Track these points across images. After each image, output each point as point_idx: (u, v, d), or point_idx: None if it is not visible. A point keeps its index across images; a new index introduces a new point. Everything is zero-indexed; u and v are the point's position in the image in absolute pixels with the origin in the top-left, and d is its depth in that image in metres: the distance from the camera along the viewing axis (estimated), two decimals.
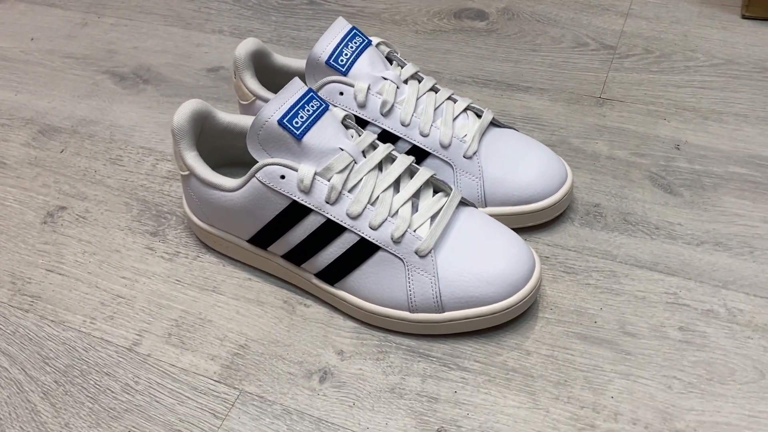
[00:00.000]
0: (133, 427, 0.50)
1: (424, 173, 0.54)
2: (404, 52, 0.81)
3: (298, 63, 0.65)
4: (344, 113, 0.55)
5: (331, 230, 0.52)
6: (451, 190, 0.54)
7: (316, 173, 0.52)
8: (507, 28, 0.83)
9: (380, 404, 0.50)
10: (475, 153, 0.58)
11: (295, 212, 0.52)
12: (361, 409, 0.50)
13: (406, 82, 0.60)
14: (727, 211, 0.60)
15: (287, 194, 0.52)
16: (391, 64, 0.61)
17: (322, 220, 0.52)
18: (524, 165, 0.58)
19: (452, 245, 0.52)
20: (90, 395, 0.52)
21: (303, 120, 0.52)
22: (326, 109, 0.53)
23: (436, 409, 0.49)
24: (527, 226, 0.59)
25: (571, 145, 0.67)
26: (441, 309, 0.52)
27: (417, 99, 0.59)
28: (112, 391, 0.52)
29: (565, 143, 0.67)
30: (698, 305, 0.54)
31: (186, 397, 0.52)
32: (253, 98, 0.62)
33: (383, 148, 0.54)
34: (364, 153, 0.54)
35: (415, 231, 0.52)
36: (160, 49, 0.86)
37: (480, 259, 0.52)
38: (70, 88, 0.82)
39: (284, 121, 0.51)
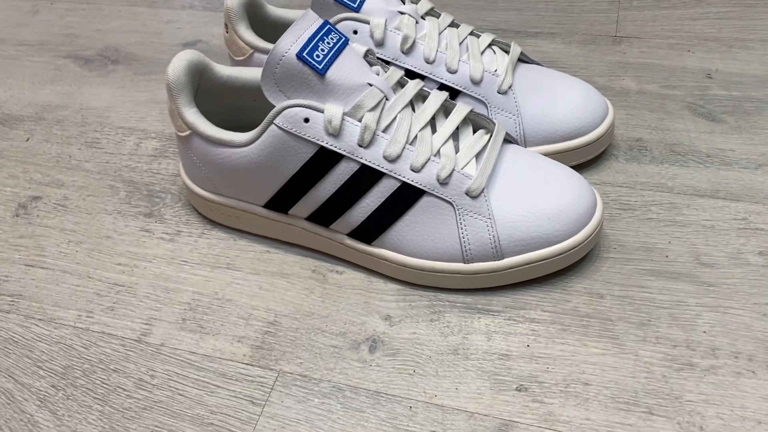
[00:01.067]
0: (156, 426, 0.42)
1: (462, 109, 0.48)
2: None
3: (296, 13, 0.59)
4: (366, 48, 0.48)
5: (367, 177, 0.45)
6: (494, 125, 0.48)
7: (344, 113, 0.45)
8: None
9: (444, 368, 0.43)
10: (510, 88, 0.52)
11: (324, 160, 0.45)
12: (423, 376, 0.43)
13: (423, 17, 0.54)
14: None
15: (313, 140, 0.45)
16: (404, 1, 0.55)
17: (356, 167, 0.45)
18: (563, 99, 0.53)
19: (504, 183, 0.46)
20: (98, 396, 0.44)
21: (324, 53, 0.45)
22: (346, 42, 0.47)
23: (510, 367, 0.43)
24: (571, 165, 0.54)
25: (596, 83, 0.62)
26: (500, 255, 0.46)
27: (439, 34, 0.53)
28: (124, 389, 0.44)
29: (590, 82, 0.62)
30: None
31: (215, 386, 0.44)
32: (251, 51, 0.55)
33: (414, 84, 0.48)
34: (393, 90, 0.47)
35: (462, 170, 0.46)
36: (127, 29, 0.78)
37: (538, 195, 0.46)
38: (29, 75, 0.73)
39: (304, 54, 0.44)
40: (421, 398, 0.42)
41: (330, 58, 0.45)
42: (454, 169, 0.45)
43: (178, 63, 0.49)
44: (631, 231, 0.50)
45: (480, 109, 0.53)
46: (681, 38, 0.66)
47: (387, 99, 0.46)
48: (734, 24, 0.67)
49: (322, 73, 0.45)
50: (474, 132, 0.49)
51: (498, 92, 0.52)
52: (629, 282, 0.47)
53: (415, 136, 0.46)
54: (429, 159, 0.45)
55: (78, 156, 0.62)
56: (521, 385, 0.42)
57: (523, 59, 0.56)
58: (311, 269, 0.50)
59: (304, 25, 0.46)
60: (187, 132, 0.50)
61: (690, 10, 0.70)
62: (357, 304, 0.47)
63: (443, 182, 0.45)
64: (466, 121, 0.48)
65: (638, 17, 0.70)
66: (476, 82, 0.52)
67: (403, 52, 0.52)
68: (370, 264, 0.49)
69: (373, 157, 0.45)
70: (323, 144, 0.45)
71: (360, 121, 0.45)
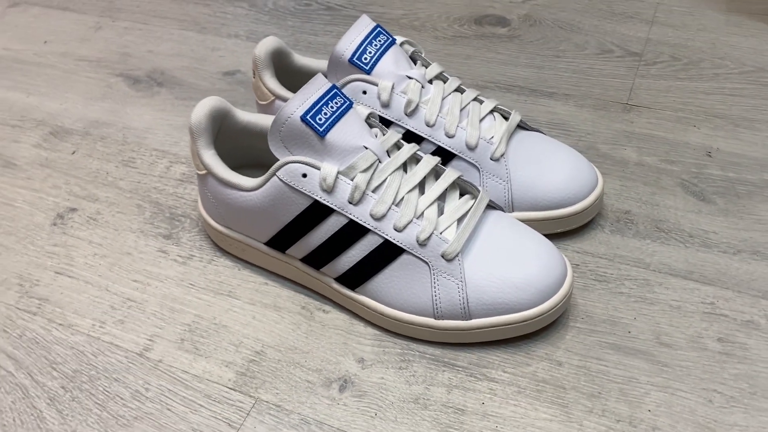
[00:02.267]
0: None
1: (450, 174, 0.52)
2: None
3: (319, 63, 0.64)
4: (368, 111, 0.53)
5: (353, 232, 0.50)
6: (479, 192, 0.52)
7: (339, 172, 0.50)
8: (529, 35, 0.81)
9: (403, 415, 0.47)
10: (502, 155, 0.56)
11: (317, 212, 0.50)
12: (383, 420, 0.47)
13: (431, 81, 0.58)
14: (764, 219, 0.57)
15: (309, 193, 0.50)
16: (416, 63, 0.59)
17: (345, 221, 0.50)
18: (553, 168, 0.56)
19: (480, 249, 0.50)
20: (98, 402, 0.50)
21: (327, 116, 0.50)
22: (350, 106, 0.51)
23: (463, 422, 0.47)
24: (556, 233, 0.57)
25: (599, 151, 0.65)
26: (468, 316, 0.49)
27: (442, 99, 0.57)
28: (122, 398, 0.50)
29: (593, 149, 0.65)
30: (737, 315, 0.51)
31: (199, 405, 0.49)
32: (273, 98, 0.60)
33: (408, 148, 0.52)
34: (388, 152, 0.52)
35: (441, 234, 0.50)
36: (175, 53, 0.84)
37: (509, 263, 0.49)
38: (83, 90, 0.80)
39: (307, 117, 0.49)
40: None
41: (331, 121, 0.50)
42: (433, 233, 0.49)
43: (201, 109, 0.55)
44: (601, 303, 0.53)
45: (473, 173, 0.56)
46: (690, 112, 0.68)
47: (380, 161, 0.51)
48: (746, 102, 0.69)
49: (322, 136, 0.49)
50: (461, 196, 0.52)
51: (491, 159, 0.56)
52: (589, 353, 0.50)
53: (402, 198, 0.50)
54: (411, 221, 0.49)
55: (114, 173, 0.69)
56: None
57: (522, 126, 0.59)
58: (301, 305, 0.55)
59: (312, 89, 0.50)
60: (204, 171, 0.55)
61: (705, 84, 0.72)
62: (336, 344, 0.52)
63: (422, 243, 0.49)
64: (454, 185, 0.52)
65: (653, 86, 0.72)
66: (471, 148, 0.56)
67: (406, 114, 0.56)
68: (352, 307, 0.53)
69: (361, 214, 0.50)
70: (317, 198, 0.50)
71: (352, 180, 0.50)
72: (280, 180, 0.50)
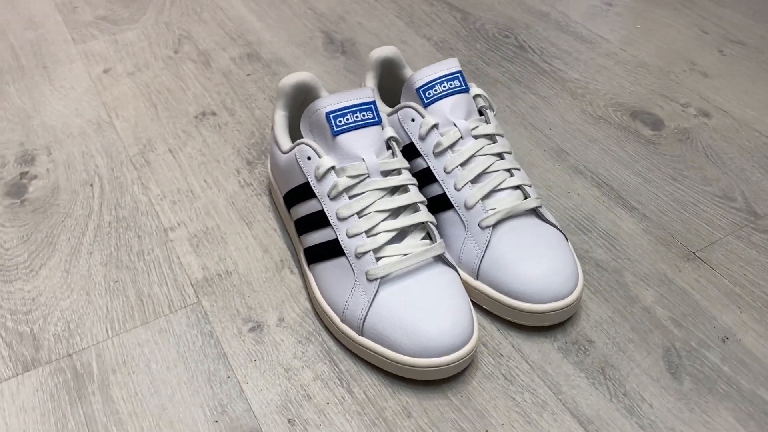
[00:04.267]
0: (115, 281, 0.64)
1: (421, 215, 0.57)
2: (554, 123, 0.80)
3: None
4: (391, 134, 0.60)
5: (321, 219, 0.59)
6: (435, 242, 0.56)
7: (333, 168, 0.58)
8: (669, 148, 0.77)
9: (269, 373, 0.56)
10: (489, 227, 0.59)
11: (305, 191, 0.60)
12: (255, 368, 0.56)
13: (476, 137, 0.62)
14: (712, 425, 0.52)
15: (305, 174, 0.59)
16: (481, 115, 0.64)
17: (318, 208, 0.59)
18: (532, 260, 0.57)
19: (403, 287, 0.55)
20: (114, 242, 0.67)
21: (347, 122, 0.58)
22: (376, 122, 0.59)
23: (304, 407, 0.54)
24: (505, 318, 0.58)
25: (622, 279, 0.63)
26: (361, 332, 0.55)
27: (473, 156, 0.61)
28: (130, 247, 0.66)
29: (618, 274, 0.63)
30: None
31: (166, 280, 0.63)
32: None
33: (401, 178, 0.58)
34: (385, 173, 0.58)
35: (378, 257, 0.56)
36: (374, 33, 0.97)
37: (417, 311, 0.54)
38: (293, 33, 0.97)
39: (331, 115, 0.58)
40: (238, 375, 0.56)
41: (348, 128, 0.58)
42: (370, 252, 0.56)
43: (290, 78, 0.67)
44: (488, 394, 0.54)
45: (460, 230, 0.60)
46: (749, 294, 0.61)
47: (369, 176, 0.58)
48: None
49: (334, 135, 0.58)
50: (422, 239, 0.57)
51: (478, 225, 0.59)
52: (440, 424, 0.52)
53: (368, 213, 0.57)
54: (361, 233, 0.56)
55: (259, 101, 0.85)
56: (293, 419, 0.53)
57: (539, 215, 0.61)
58: (281, 258, 0.65)
59: (353, 95, 0.59)
60: (272, 125, 0.68)
61: None
62: (277, 299, 0.62)
63: (357, 256, 0.56)
64: (423, 226, 0.57)
65: (737, 251, 0.65)
66: (468, 207, 0.60)
67: (433, 154, 0.62)
68: (304, 279, 0.62)
69: (330, 209, 0.58)
70: (308, 180, 0.59)
71: (338, 179, 0.58)
72: (294, 154, 0.60)
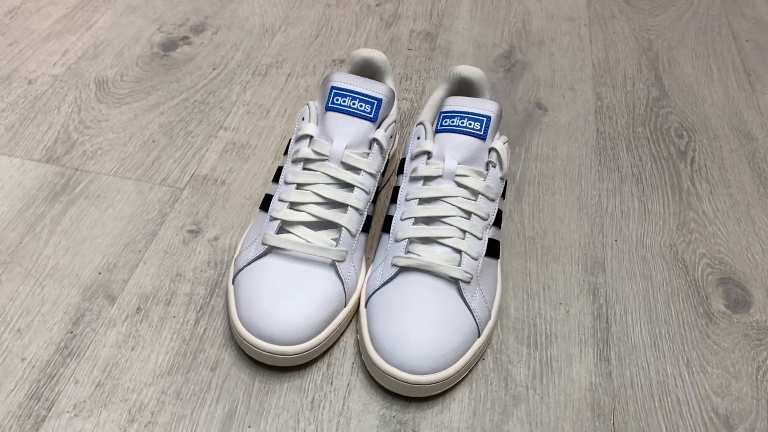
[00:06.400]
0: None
1: (342, 218, 0.57)
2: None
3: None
4: (377, 138, 0.59)
5: (277, 175, 0.61)
6: (334, 226, 0.57)
7: (310, 136, 0.60)
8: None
9: (166, 267, 0.62)
10: (397, 267, 0.55)
11: (290, 144, 0.62)
12: (161, 257, 0.63)
13: (459, 185, 0.58)
14: None
15: (296, 129, 0.62)
16: (486, 169, 0.59)
17: (285, 159, 0.61)
18: (411, 321, 0.53)
19: (279, 266, 0.56)
20: None
21: (342, 104, 0.59)
22: (369, 118, 0.59)
23: (162, 302, 0.59)
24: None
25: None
26: (233, 280, 0.58)
27: (439, 198, 0.57)
28: None
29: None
30: None
31: (183, 158, 0.72)
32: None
33: (357, 178, 0.58)
34: (345, 166, 0.58)
35: (283, 228, 0.57)
36: (556, 69, 0.91)
37: (264, 294, 0.54)
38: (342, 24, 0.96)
39: (334, 90, 0.59)
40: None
41: (339, 109, 0.59)
42: (280, 220, 0.57)
43: (364, 51, 0.68)
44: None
45: (382, 255, 0.58)
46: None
47: (328, 160, 0.58)
48: None
49: (325, 109, 0.59)
50: (333, 239, 0.57)
51: (392, 262, 0.56)
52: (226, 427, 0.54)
53: (305, 190, 0.58)
54: (286, 202, 0.58)
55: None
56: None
57: (462, 295, 0.55)
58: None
59: (368, 84, 0.59)
60: None
61: None
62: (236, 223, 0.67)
63: (271, 218, 0.58)
64: (340, 229, 0.57)
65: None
66: (396, 240, 0.57)
67: (409, 178, 0.59)
68: None
69: (285, 170, 0.60)
70: (293, 135, 0.62)
71: (306, 147, 0.59)
72: (306, 109, 0.63)
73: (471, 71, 0.67)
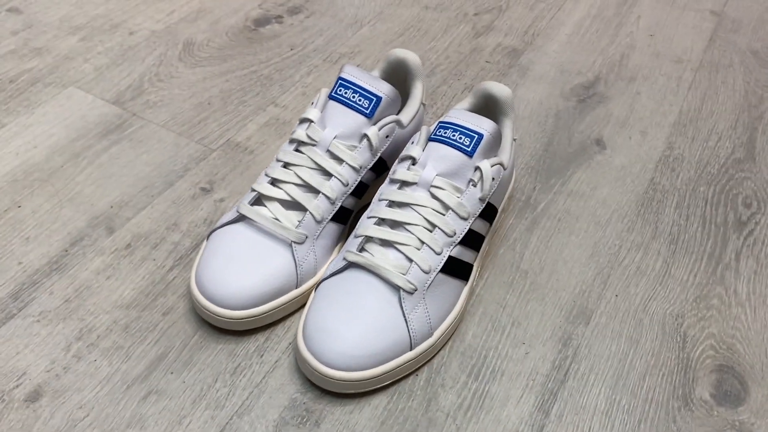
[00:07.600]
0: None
1: (311, 203, 0.58)
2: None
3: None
4: (367, 134, 0.59)
5: (277, 151, 0.64)
6: (302, 209, 0.58)
7: (309, 119, 0.61)
8: None
9: (159, 215, 0.67)
10: (346, 261, 0.55)
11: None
12: (165, 201, 0.68)
13: (433, 197, 0.56)
14: None
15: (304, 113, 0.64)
16: (471, 185, 0.57)
17: (287, 141, 0.63)
18: (344, 316, 0.53)
19: (238, 236, 0.58)
20: None
21: (344, 95, 0.60)
22: (365, 114, 0.59)
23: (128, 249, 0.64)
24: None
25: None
26: (207, 237, 0.61)
27: (409, 205, 0.56)
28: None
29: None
30: None
31: (241, 124, 0.77)
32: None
33: (338, 168, 0.59)
34: (331, 154, 0.59)
35: (256, 201, 0.59)
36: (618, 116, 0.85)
37: (216, 257, 0.58)
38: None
39: (340, 81, 0.61)
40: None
41: (340, 100, 0.60)
42: (257, 193, 0.59)
43: (400, 51, 0.68)
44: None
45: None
46: None
47: (316, 145, 0.59)
48: None
49: (328, 97, 0.61)
50: (299, 220, 0.58)
51: (344, 256, 0.56)
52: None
53: (288, 170, 0.60)
54: (267, 177, 0.60)
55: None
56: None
57: (401, 303, 0.54)
58: None
59: (370, 82, 0.60)
60: None
61: None
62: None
63: (252, 189, 0.60)
64: (305, 211, 0.58)
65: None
66: (355, 236, 0.57)
67: (389, 179, 0.59)
68: None
69: (282, 148, 0.62)
70: (301, 117, 0.64)
71: (304, 130, 0.61)
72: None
73: (498, 88, 0.65)
